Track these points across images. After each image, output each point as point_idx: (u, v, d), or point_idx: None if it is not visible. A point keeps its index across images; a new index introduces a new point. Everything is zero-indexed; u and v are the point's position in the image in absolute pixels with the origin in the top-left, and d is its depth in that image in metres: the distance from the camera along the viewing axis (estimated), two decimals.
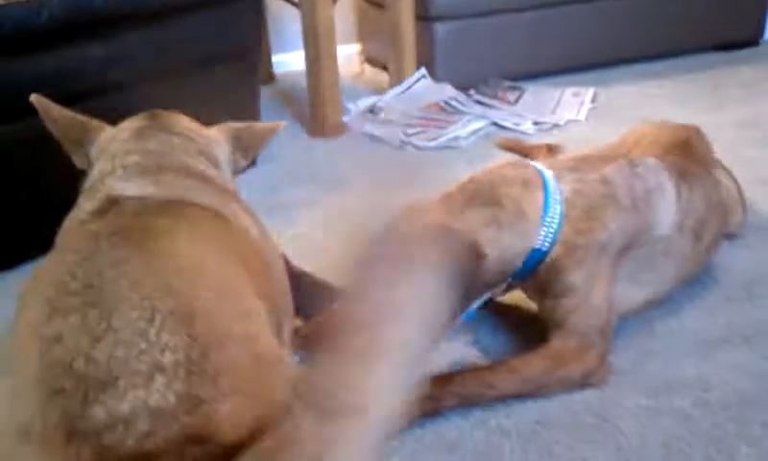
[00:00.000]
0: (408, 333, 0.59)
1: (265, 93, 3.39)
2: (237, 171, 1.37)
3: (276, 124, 1.48)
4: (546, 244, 1.52)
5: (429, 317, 1.38)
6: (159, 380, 0.67)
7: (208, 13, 2.32)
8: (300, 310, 1.62)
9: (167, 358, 0.69)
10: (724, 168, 1.99)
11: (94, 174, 1.15)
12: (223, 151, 1.29)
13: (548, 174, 1.56)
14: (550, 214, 1.51)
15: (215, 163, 1.25)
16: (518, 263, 1.52)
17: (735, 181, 2.00)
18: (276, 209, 2.33)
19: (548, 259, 1.53)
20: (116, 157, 1.14)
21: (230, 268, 0.91)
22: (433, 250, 1.39)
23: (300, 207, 2.35)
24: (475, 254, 1.45)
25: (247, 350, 0.74)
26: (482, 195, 1.51)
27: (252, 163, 2.61)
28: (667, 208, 1.62)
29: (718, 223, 1.77)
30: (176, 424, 0.64)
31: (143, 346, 0.70)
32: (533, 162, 1.61)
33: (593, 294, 1.52)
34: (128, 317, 0.73)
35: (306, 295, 1.65)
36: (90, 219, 1.01)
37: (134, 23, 2.12)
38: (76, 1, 1.95)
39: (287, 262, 1.65)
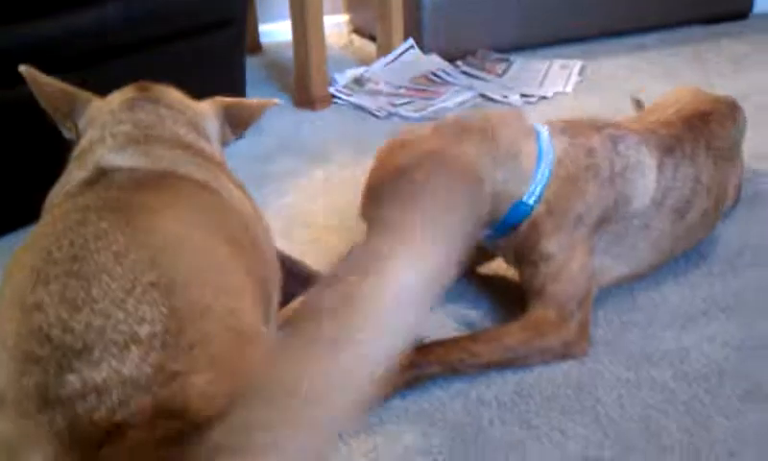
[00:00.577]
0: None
1: (252, 63, 3.37)
2: (225, 144, 1.36)
3: (269, 100, 1.47)
4: (533, 199, 1.51)
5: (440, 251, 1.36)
6: (135, 351, 0.67)
7: None
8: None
9: (144, 330, 0.69)
10: (739, 151, 1.95)
11: (83, 143, 1.14)
12: (212, 124, 1.28)
13: (542, 130, 1.55)
14: (541, 169, 1.51)
15: (205, 136, 1.25)
16: (504, 210, 1.51)
17: (742, 165, 1.99)
18: (264, 180, 2.32)
19: (528, 220, 1.52)
20: (106, 126, 1.14)
21: (217, 242, 0.91)
22: (435, 174, 1.39)
23: (287, 178, 2.34)
24: (475, 177, 1.44)
25: (226, 325, 0.73)
26: (478, 129, 1.48)
27: (241, 135, 2.61)
28: (645, 186, 1.61)
29: (708, 204, 1.75)
30: (148, 395, 0.64)
31: (120, 316, 0.70)
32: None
33: (571, 263, 1.53)
34: (107, 288, 0.73)
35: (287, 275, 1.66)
36: (79, 190, 1.01)
37: None
38: None
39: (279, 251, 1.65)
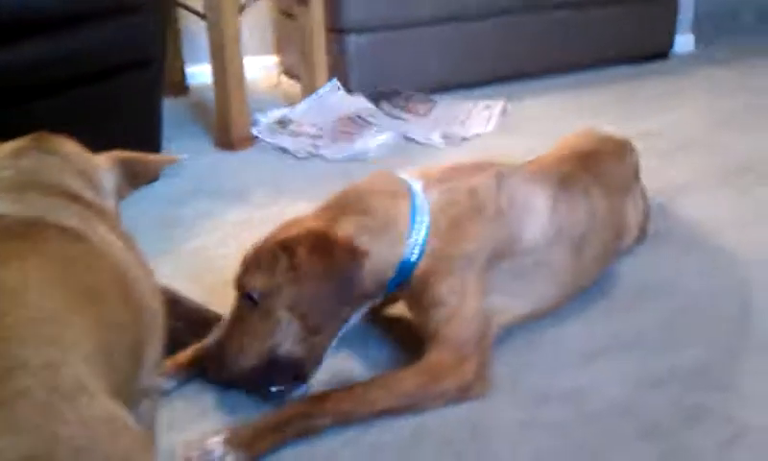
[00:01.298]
0: None
1: (177, 105, 3.36)
2: (123, 197, 1.33)
3: (169, 157, 1.46)
4: (414, 254, 1.51)
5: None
6: None
7: (107, 23, 2.27)
8: (177, 336, 1.59)
9: None
10: (641, 187, 2.01)
11: None
12: (107, 178, 1.26)
13: (416, 185, 1.57)
14: (417, 225, 1.52)
15: (95, 187, 1.22)
16: (391, 273, 1.52)
17: (647, 201, 2.02)
18: (176, 223, 2.29)
19: (418, 270, 1.52)
20: None
21: (62, 294, 0.88)
22: (314, 255, 1.39)
23: (200, 221, 2.31)
24: (355, 255, 1.44)
25: (41, 380, 0.70)
26: (352, 205, 1.51)
27: (155, 178, 2.57)
28: (536, 221, 1.63)
29: (606, 237, 1.78)
30: None
31: None
32: (402, 173, 1.61)
33: (463, 305, 1.52)
34: None
35: (185, 321, 1.62)
36: None
37: (31, 30, 2.06)
38: None
39: (165, 289, 1.61)
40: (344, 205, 1.52)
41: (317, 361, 1.49)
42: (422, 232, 1.52)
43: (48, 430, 0.66)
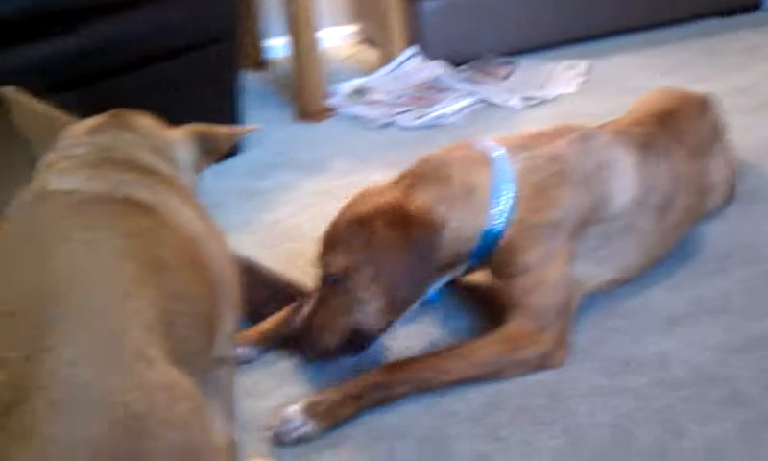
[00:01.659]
0: None
1: (256, 79, 3.39)
2: (200, 170, 1.36)
3: (242, 128, 1.48)
4: (499, 225, 1.50)
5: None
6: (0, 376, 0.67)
7: (181, 1, 2.30)
8: (258, 306, 1.62)
9: (13, 355, 0.69)
10: (726, 145, 1.93)
11: (40, 165, 1.15)
12: (183, 152, 1.28)
13: (498, 153, 1.54)
14: (501, 194, 1.50)
15: (169, 160, 1.25)
16: (473, 245, 1.51)
17: (733, 160, 1.95)
18: (256, 194, 2.33)
19: (503, 240, 1.51)
20: (64, 149, 1.15)
21: (127, 266, 0.90)
22: (391, 229, 1.39)
23: (281, 192, 2.34)
24: (431, 226, 1.44)
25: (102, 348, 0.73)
26: (431, 175, 1.50)
27: (236, 151, 2.62)
28: (623, 185, 1.59)
29: (690, 199, 1.72)
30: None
31: None
32: (484, 142, 1.59)
33: (549, 274, 1.50)
34: None
35: (265, 291, 1.65)
36: (18, 214, 1.02)
37: (104, 13, 2.11)
38: None
39: (246, 260, 1.65)
40: (421, 174, 1.51)
41: (388, 329, 1.51)
42: (507, 201, 1.50)
43: (109, 395, 0.69)
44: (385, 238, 1.41)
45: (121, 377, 0.71)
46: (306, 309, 1.50)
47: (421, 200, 1.47)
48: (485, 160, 1.52)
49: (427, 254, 1.44)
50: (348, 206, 1.51)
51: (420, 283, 1.48)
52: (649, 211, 1.62)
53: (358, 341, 1.48)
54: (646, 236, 1.64)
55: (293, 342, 1.55)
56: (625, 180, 1.59)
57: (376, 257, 1.42)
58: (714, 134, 1.88)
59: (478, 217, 1.50)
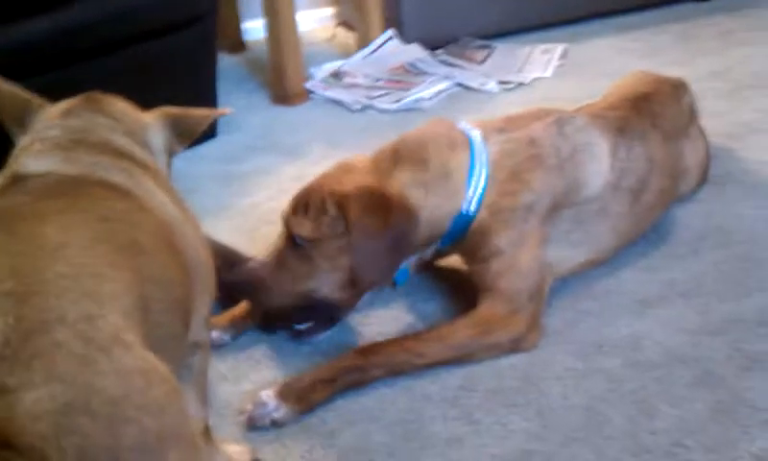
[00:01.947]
0: None
1: (234, 62, 3.36)
2: (173, 153, 1.35)
3: (216, 110, 1.47)
4: (472, 208, 1.50)
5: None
6: None
7: None
8: (230, 290, 1.61)
9: None
10: (698, 129, 1.94)
11: (15, 149, 1.14)
12: (156, 135, 1.27)
13: (475, 135, 1.54)
14: (475, 177, 1.50)
15: (143, 144, 1.24)
16: (445, 226, 1.51)
17: (706, 144, 1.96)
18: (233, 179, 2.32)
19: (475, 223, 1.51)
20: (38, 132, 1.14)
21: (103, 249, 0.90)
22: (368, 214, 1.39)
23: (257, 176, 2.33)
24: (409, 215, 1.44)
25: (78, 332, 0.72)
26: (409, 156, 1.50)
27: (212, 135, 2.60)
28: (597, 169, 1.59)
29: (664, 182, 1.73)
30: None
31: None
32: (461, 123, 1.59)
33: (521, 257, 1.50)
34: None
35: (232, 274, 1.65)
36: None
37: None
38: None
39: (218, 245, 1.64)
40: (399, 154, 1.50)
41: (351, 307, 1.52)
42: (481, 185, 1.50)
43: (84, 380, 0.69)
44: (361, 221, 1.41)
45: (97, 362, 0.71)
46: (258, 263, 1.50)
47: (400, 183, 1.47)
48: (462, 143, 1.52)
49: (402, 242, 1.44)
50: (326, 176, 1.51)
51: (391, 269, 1.48)
52: (623, 195, 1.63)
53: (318, 314, 1.49)
54: (619, 219, 1.65)
55: (242, 293, 1.54)
56: (600, 164, 1.60)
57: (347, 237, 1.43)
58: (688, 118, 1.89)
59: (453, 201, 1.50)
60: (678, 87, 1.90)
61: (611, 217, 1.63)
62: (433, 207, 1.48)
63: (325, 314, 1.51)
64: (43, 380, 0.67)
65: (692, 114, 1.92)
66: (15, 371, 0.66)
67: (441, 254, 1.67)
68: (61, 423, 0.65)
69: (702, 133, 1.95)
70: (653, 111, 1.77)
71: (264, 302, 1.49)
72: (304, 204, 1.47)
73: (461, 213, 1.50)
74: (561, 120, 1.59)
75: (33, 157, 1.07)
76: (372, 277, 1.46)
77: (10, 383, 0.65)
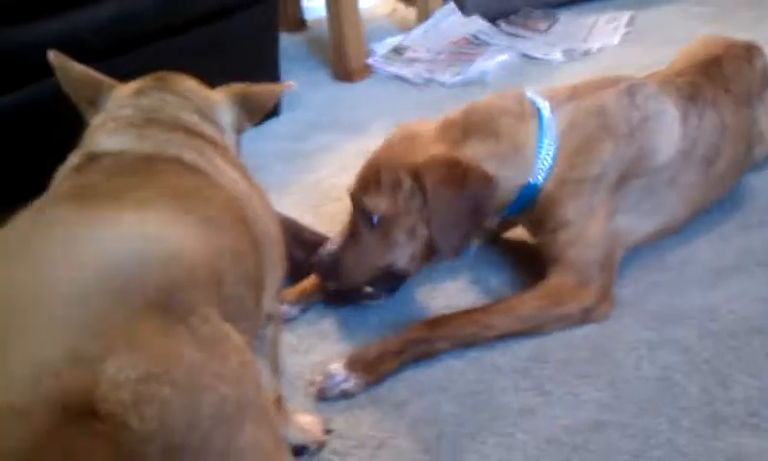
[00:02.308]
0: None
1: (294, 40, 3.37)
2: (241, 131, 1.36)
3: (280, 85, 1.47)
4: (540, 178, 1.48)
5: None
6: (55, 333, 0.67)
7: None
8: (299, 265, 1.63)
9: (67, 311, 0.69)
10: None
11: (89, 127, 1.17)
12: (225, 113, 1.28)
13: (544, 105, 1.51)
14: (545, 148, 1.48)
15: (211, 121, 1.25)
16: (513, 197, 1.49)
17: None
18: (297, 156, 2.33)
19: (542, 194, 1.49)
20: (110, 111, 1.16)
21: (178, 224, 0.91)
22: (445, 183, 1.39)
23: (321, 153, 2.34)
24: (487, 182, 1.43)
25: (156, 303, 0.73)
26: (479, 127, 1.48)
27: (276, 113, 2.62)
28: (669, 137, 1.55)
29: (737, 149, 1.68)
30: (58, 382, 0.64)
31: (48, 298, 0.71)
32: (529, 92, 1.56)
33: (590, 227, 1.48)
34: (38, 270, 0.74)
35: (307, 250, 1.66)
36: (68, 175, 1.04)
37: None
38: None
39: (287, 220, 1.65)
40: (469, 125, 1.48)
41: (417, 272, 1.53)
42: (550, 156, 1.48)
43: (163, 350, 0.70)
44: (440, 191, 1.41)
45: (175, 332, 0.72)
46: (334, 244, 1.51)
47: (472, 153, 1.45)
48: (531, 114, 1.50)
49: (480, 208, 1.43)
50: (391, 148, 1.50)
51: (470, 236, 1.47)
52: (694, 163, 1.59)
53: (387, 282, 1.51)
54: (691, 188, 1.60)
55: (318, 274, 1.55)
56: (671, 132, 1.56)
57: (430, 209, 1.42)
58: (762, 82, 1.82)
59: (523, 172, 1.48)
60: (749, 50, 1.83)
61: (682, 186, 1.59)
62: (503, 179, 1.47)
63: (396, 281, 1.52)
64: (124, 349, 0.68)
65: (765, 78, 1.85)
66: (98, 340, 0.68)
67: (507, 225, 1.65)
68: (142, 391, 0.66)
69: None
70: (724, 76, 1.71)
71: (343, 280, 1.50)
72: (376, 180, 1.47)
73: (528, 184, 1.48)
74: (631, 88, 1.55)
75: (106, 136, 1.09)
76: (452, 245, 1.45)
77: (93, 352, 0.67)
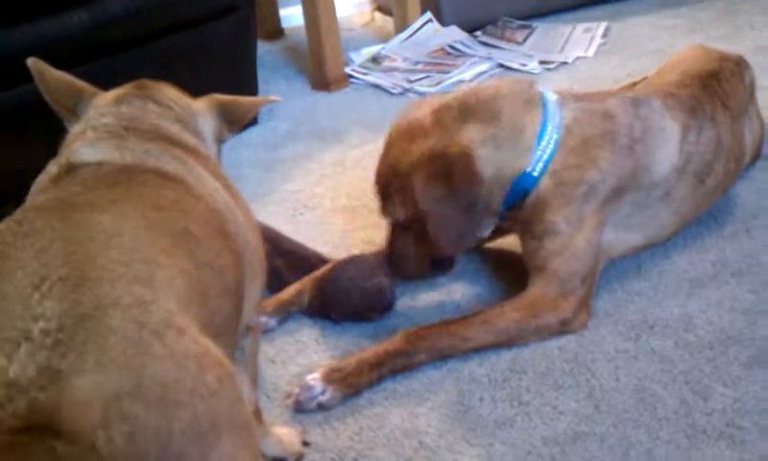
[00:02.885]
0: None
1: (272, 49, 3.37)
2: (222, 141, 1.35)
3: (264, 98, 1.47)
4: (537, 170, 1.46)
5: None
6: (24, 349, 0.66)
7: None
8: (279, 274, 1.62)
9: (38, 326, 0.67)
10: (756, 106, 1.88)
11: (68, 136, 1.15)
12: (206, 122, 1.27)
13: (550, 97, 1.51)
14: (546, 137, 1.46)
15: (192, 131, 1.24)
16: (507, 185, 1.47)
17: (761, 120, 1.90)
18: (275, 165, 2.32)
19: (535, 192, 1.47)
20: (90, 120, 1.14)
21: (156, 236, 0.90)
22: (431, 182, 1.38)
23: (299, 162, 2.33)
24: (473, 175, 1.42)
25: (131, 317, 0.72)
26: (480, 109, 1.46)
27: (254, 122, 2.60)
28: (667, 153, 1.55)
29: (728, 165, 1.68)
30: (25, 399, 0.63)
31: (19, 312, 0.69)
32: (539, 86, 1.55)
33: (577, 238, 1.47)
34: (18, 283, 0.73)
35: (286, 259, 1.65)
36: (47, 185, 1.02)
37: None
38: None
39: (267, 229, 1.64)
40: (469, 108, 1.46)
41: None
42: (550, 147, 1.46)
43: (136, 365, 0.68)
44: (427, 193, 1.41)
45: (149, 346, 0.70)
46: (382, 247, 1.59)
47: (468, 139, 1.43)
48: (537, 101, 1.49)
49: (473, 205, 1.42)
50: (394, 149, 1.49)
51: (469, 234, 1.48)
52: (688, 179, 1.59)
53: (440, 262, 1.55)
54: (682, 203, 1.61)
55: (318, 306, 1.57)
56: (669, 147, 1.56)
57: (422, 209, 1.43)
58: (749, 96, 1.83)
59: (521, 158, 1.46)
60: (740, 64, 1.83)
61: (674, 201, 1.59)
62: (501, 164, 1.45)
63: (449, 261, 1.57)
64: (95, 365, 0.66)
65: (752, 92, 1.86)
66: (68, 355, 0.66)
67: (497, 231, 1.65)
68: (111, 409, 0.65)
69: (758, 109, 1.89)
70: (723, 91, 1.70)
71: (404, 274, 1.56)
72: (386, 190, 1.48)
73: (524, 173, 1.47)
74: (637, 100, 1.55)
75: (86, 146, 1.07)
76: (450, 244, 1.46)
77: (62, 368, 0.65)
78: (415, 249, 1.51)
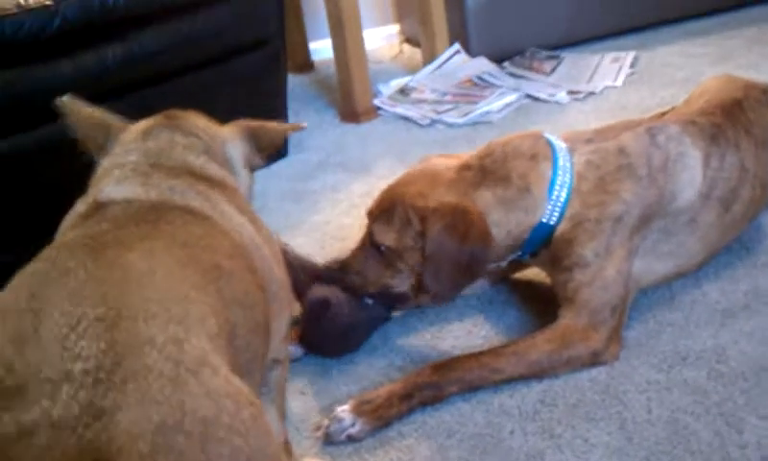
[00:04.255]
0: None
1: (302, 81, 3.42)
2: (254, 168, 1.36)
3: (292, 125, 1.48)
4: (554, 218, 1.48)
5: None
6: (65, 389, 0.67)
7: (224, 6, 2.32)
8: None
9: (78, 366, 0.69)
10: None
11: (96, 174, 1.16)
12: (236, 149, 1.27)
13: (559, 146, 1.52)
14: (557, 187, 1.47)
15: (222, 162, 1.24)
16: (525, 237, 1.49)
17: None
18: (303, 196, 2.34)
19: (558, 233, 1.48)
20: (117, 156, 1.16)
21: (186, 273, 0.91)
22: (448, 232, 1.40)
23: (328, 193, 2.35)
24: (486, 241, 1.44)
25: (167, 355, 0.73)
26: (493, 170, 1.49)
27: (283, 154, 2.63)
28: (690, 179, 1.54)
29: (754, 192, 1.66)
30: (73, 437, 0.64)
31: (58, 353, 0.70)
32: (547, 134, 1.56)
33: (607, 269, 1.47)
34: (54, 324, 0.74)
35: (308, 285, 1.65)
36: (75, 223, 1.03)
37: (149, 21, 2.13)
38: (88, 3, 1.96)
39: (293, 256, 1.64)
40: (486, 169, 1.49)
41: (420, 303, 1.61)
42: (563, 195, 1.48)
43: (176, 401, 0.69)
44: (439, 240, 1.42)
45: (187, 383, 0.71)
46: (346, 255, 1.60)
47: (483, 202, 1.46)
48: (544, 154, 1.50)
49: (475, 265, 1.44)
50: (412, 184, 1.51)
51: (459, 287, 1.49)
52: (714, 205, 1.58)
53: (387, 300, 1.58)
54: (709, 230, 1.59)
55: (327, 275, 1.61)
56: (692, 174, 1.55)
57: (427, 251, 1.44)
58: None
59: (533, 214, 1.48)
60: (766, 93, 1.81)
61: (700, 228, 1.58)
62: (513, 224, 1.48)
63: (394, 302, 1.59)
64: (137, 401, 0.67)
65: None
66: (109, 393, 0.67)
67: (521, 265, 1.65)
68: (158, 442, 0.66)
69: None
70: (747, 118, 1.69)
71: (347, 283, 1.57)
72: (389, 214, 1.49)
73: (541, 223, 1.48)
74: (652, 129, 1.55)
75: (112, 184, 1.08)
76: (440, 291, 1.47)
77: (106, 406, 0.66)
78: (373, 273, 1.54)
